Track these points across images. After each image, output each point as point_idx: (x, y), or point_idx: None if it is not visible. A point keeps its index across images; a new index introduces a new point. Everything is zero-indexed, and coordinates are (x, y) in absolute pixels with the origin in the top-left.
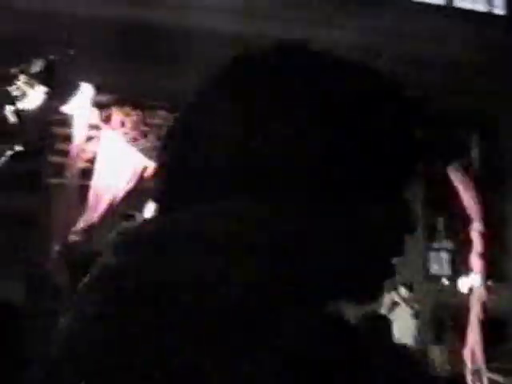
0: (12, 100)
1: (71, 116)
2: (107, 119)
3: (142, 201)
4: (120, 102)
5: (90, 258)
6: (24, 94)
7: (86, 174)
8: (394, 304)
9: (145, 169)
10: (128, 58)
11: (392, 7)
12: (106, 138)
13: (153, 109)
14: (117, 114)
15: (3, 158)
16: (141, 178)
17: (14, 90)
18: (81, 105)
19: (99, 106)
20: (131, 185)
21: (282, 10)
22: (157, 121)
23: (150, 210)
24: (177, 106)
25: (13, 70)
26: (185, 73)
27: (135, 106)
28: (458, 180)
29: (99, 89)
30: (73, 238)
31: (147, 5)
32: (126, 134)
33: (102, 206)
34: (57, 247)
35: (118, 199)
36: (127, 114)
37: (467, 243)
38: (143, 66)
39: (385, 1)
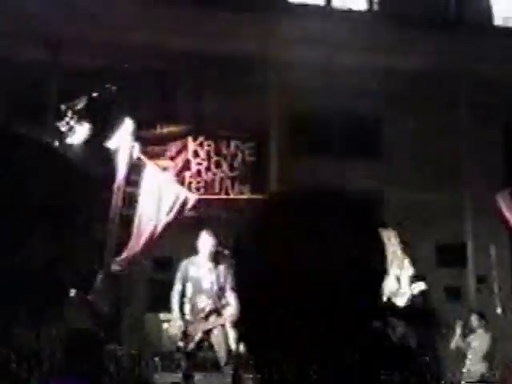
0: (61, 135)
1: (115, 150)
2: (182, 149)
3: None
4: (194, 133)
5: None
6: (71, 130)
7: (130, 206)
8: (470, 331)
9: (186, 201)
10: (203, 89)
11: None
12: (148, 172)
13: (226, 139)
14: (191, 144)
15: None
16: (181, 211)
17: (62, 126)
18: (123, 139)
19: (173, 136)
20: (172, 216)
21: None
22: (230, 151)
23: None
24: (250, 136)
25: (62, 107)
26: (259, 104)
27: (209, 136)
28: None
29: (171, 120)
30: (115, 267)
31: (223, 37)
32: (199, 163)
33: (144, 237)
34: (100, 275)
35: (158, 232)
36: (201, 144)
37: None
38: (219, 97)
39: None
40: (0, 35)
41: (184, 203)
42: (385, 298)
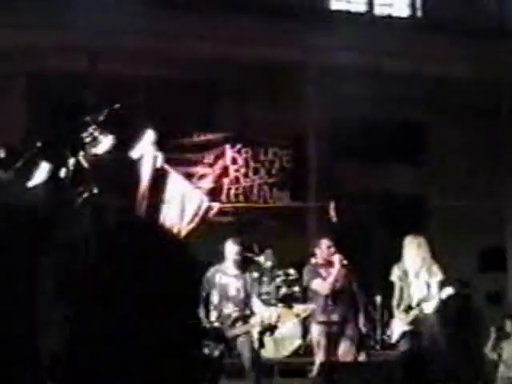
0: (84, 146)
1: (138, 160)
2: (220, 156)
3: None
4: (232, 140)
5: None
6: (95, 140)
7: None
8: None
9: (209, 208)
10: (242, 97)
11: None
12: (171, 180)
13: (264, 146)
14: (229, 151)
15: (80, 199)
16: (204, 218)
17: (86, 137)
18: (146, 149)
19: (211, 144)
20: (194, 224)
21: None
22: (268, 157)
23: None
24: (288, 143)
25: (86, 118)
26: (297, 110)
27: (247, 143)
28: None
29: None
30: None
31: (261, 45)
32: (237, 170)
33: None
34: None
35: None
36: (239, 151)
37: None
38: (257, 104)
39: None
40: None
41: (207, 211)
42: (414, 303)
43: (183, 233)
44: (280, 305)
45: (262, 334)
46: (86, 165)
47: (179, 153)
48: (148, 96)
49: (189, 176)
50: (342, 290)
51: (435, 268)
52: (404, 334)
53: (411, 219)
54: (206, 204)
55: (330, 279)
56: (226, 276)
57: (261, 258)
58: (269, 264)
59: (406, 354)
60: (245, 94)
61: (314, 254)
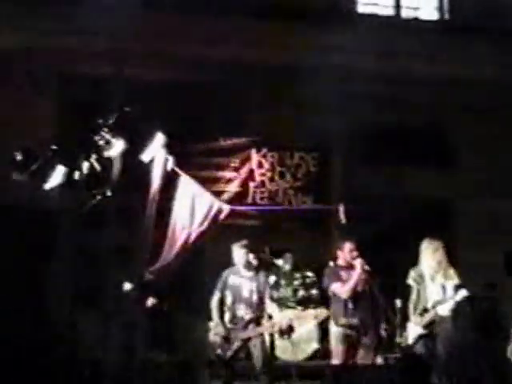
0: (97, 149)
1: (149, 163)
2: (246, 160)
3: None
4: (258, 144)
5: None
6: (108, 143)
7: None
8: None
9: (220, 211)
10: (267, 99)
11: None
12: (182, 183)
13: (290, 150)
14: (255, 156)
15: (93, 202)
16: (215, 220)
17: (99, 140)
18: (156, 152)
19: (238, 148)
20: (204, 227)
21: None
22: (294, 161)
23: None
24: (314, 147)
25: (99, 121)
26: (322, 114)
27: (273, 147)
28: None
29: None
30: (148, 276)
31: (288, 48)
32: (263, 174)
33: (177, 246)
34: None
35: (191, 240)
36: (265, 156)
37: None
38: (283, 108)
39: None
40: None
41: (218, 213)
42: (429, 306)
43: (193, 235)
44: (299, 307)
45: (272, 336)
46: (98, 168)
47: (206, 157)
48: (172, 99)
49: (216, 180)
50: (363, 294)
51: (451, 272)
52: (420, 337)
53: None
54: (216, 206)
55: (351, 283)
56: (239, 277)
57: (279, 262)
58: (287, 267)
59: (409, 357)
60: (270, 97)
61: (336, 257)
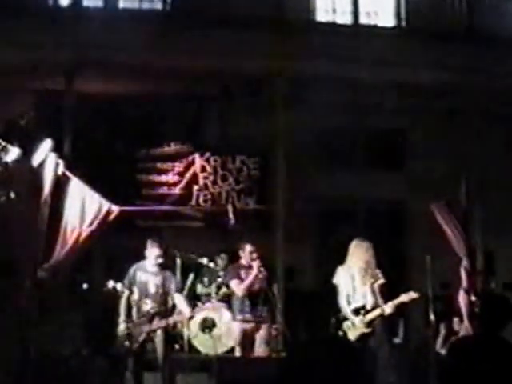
0: None
1: (39, 167)
2: (190, 165)
3: None
4: (201, 149)
5: None
6: (4, 150)
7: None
8: None
9: (109, 212)
10: (211, 108)
11: None
12: (73, 185)
13: (231, 154)
14: (198, 160)
15: None
16: (104, 220)
17: None
18: (47, 157)
19: (181, 154)
20: (94, 227)
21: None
22: (236, 165)
23: None
24: (256, 152)
25: None
26: (265, 120)
27: (215, 152)
28: (443, 217)
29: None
30: (41, 273)
31: (239, 57)
32: (206, 177)
33: (68, 246)
34: (28, 282)
35: (81, 240)
36: (208, 160)
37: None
38: (225, 114)
39: None
40: None
41: (107, 213)
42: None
43: (84, 235)
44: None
45: (174, 328)
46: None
47: (151, 162)
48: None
49: (161, 184)
50: (259, 293)
51: (379, 273)
52: (362, 336)
53: (388, 224)
54: (106, 207)
55: (246, 282)
56: (146, 273)
57: (203, 260)
58: (211, 265)
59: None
60: (213, 105)
61: (239, 257)
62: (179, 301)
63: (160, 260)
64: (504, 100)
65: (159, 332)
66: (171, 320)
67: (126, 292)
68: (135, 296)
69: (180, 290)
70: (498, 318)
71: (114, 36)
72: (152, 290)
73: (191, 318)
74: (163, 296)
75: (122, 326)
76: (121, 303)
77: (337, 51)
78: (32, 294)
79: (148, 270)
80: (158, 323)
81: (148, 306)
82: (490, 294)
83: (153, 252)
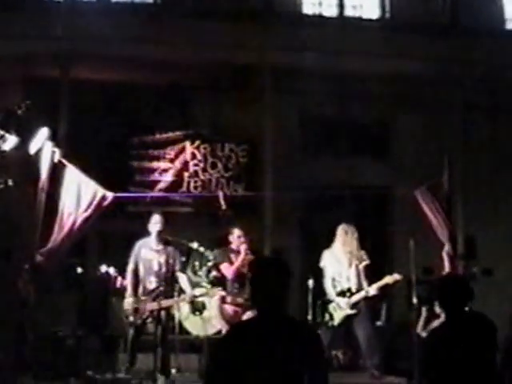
0: None
1: (36, 155)
2: (180, 152)
3: None
4: (191, 137)
5: None
6: (2, 138)
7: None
8: None
9: (103, 198)
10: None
11: None
12: (68, 172)
13: (221, 142)
14: (189, 148)
15: None
16: (99, 206)
17: None
18: (43, 145)
19: (172, 141)
20: (89, 213)
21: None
22: (225, 153)
23: None
24: (244, 140)
25: None
26: (254, 108)
27: (205, 140)
28: (426, 202)
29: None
30: (38, 258)
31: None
32: (196, 164)
33: (65, 231)
34: (26, 266)
35: (77, 225)
36: (198, 147)
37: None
38: (215, 102)
39: None
40: None
41: (102, 200)
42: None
43: (79, 220)
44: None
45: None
46: None
47: (145, 149)
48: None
49: (152, 170)
50: (247, 276)
51: (363, 254)
52: (347, 318)
53: (373, 209)
54: (101, 193)
55: (235, 265)
56: (150, 250)
57: (194, 244)
58: (202, 249)
59: None
60: (203, 93)
61: (230, 242)
62: (182, 280)
63: (160, 229)
64: (487, 90)
65: (162, 312)
66: (175, 300)
67: (131, 266)
68: (141, 273)
69: (183, 270)
70: (458, 299)
71: (106, 27)
72: (155, 267)
73: (195, 297)
74: (167, 274)
75: (129, 300)
76: (127, 277)
77: (323, 43)
78: (30, 277)
79: (153, 248)
80: (163, 302)
81: (152, 284)
82: (447, 277)
83: (156, 225)
